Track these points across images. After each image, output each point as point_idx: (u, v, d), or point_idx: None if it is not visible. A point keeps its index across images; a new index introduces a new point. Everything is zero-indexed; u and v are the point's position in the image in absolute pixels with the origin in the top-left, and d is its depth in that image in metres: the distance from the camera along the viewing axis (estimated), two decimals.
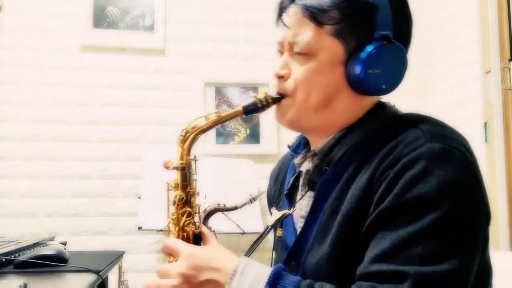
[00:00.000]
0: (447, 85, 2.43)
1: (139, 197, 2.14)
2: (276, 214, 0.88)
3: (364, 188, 0.73)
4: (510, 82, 2.12)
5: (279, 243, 0.92)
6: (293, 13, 0.82)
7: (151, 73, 2.42)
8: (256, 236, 0.93)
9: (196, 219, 0.84)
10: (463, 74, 2.30)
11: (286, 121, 0.85)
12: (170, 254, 0.79)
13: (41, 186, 2.26)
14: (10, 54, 2.29)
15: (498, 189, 2.05)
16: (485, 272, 0.79)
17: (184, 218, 0.82)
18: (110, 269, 1.50)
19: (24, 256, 1.32)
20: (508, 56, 2.12)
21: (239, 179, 2.26)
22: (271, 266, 0.74)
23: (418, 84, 2.55)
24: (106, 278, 1.53)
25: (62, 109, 2.32)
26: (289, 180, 0.94)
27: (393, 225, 0.68)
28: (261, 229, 2.02)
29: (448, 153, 0.69)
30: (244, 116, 0.84)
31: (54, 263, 1.30)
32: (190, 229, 0.82)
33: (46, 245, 1.53)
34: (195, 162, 0.85)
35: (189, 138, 0.83)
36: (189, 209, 0.83)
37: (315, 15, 0.79)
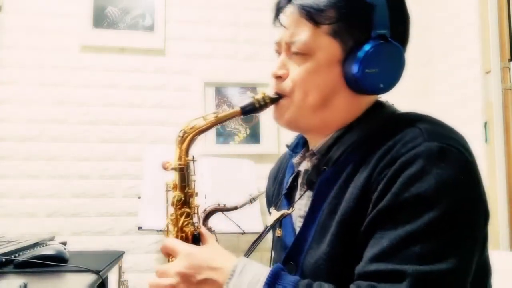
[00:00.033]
0: (447, 85, 2.43)
1: (139, 197, 2.14)
2: (275, 214, 0.88)
3: (363, 187, 0.73)
4: (510, 82, 2.12)
5: (278, 243, 0.92)
6: (290, 13, 0.82)
7: (151, 73, 2.42)
8: (256, 236, 0.93)
9: (195, 219, 0.84)
10: (463, 74, 2.30)
11: (284, 121, 0.85)
12: (168, 254, 0.80)
13: (41, 186, 2.26)
14: (10, 54, 2.29)
15: (498, 189, 2.05)
16: (484, 271, 0.78)
17: (182, 219, 0.82)
18: (110, 269, 1.50)
19: (24, 256, 1.33)
20: (508, 56, 2.12)
21: (239, 179, 2.26)
22: (270, 266, 0.74)
23: (418, 84, 2.55)
24: (106, 278, 1.53)
25: (62, 109, 2.32)
26: (288, 179, 0.94)
27: (391, 224, 0.68)
28: (261, 229, 2.01)
29: (446, 152, 0.69)
30: (242, 116, 0.85)
31: (54, 263, 1.31)
32: (188, 229, 0.82)
33: (46, 245, 1.53)
34: (193, 162, 0.85)
35: (187, 138, 0.83)
36: (187, 209, 0.83)
37: (312, 15, 0.79)
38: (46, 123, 2.30)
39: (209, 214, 1.80)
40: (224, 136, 2.46)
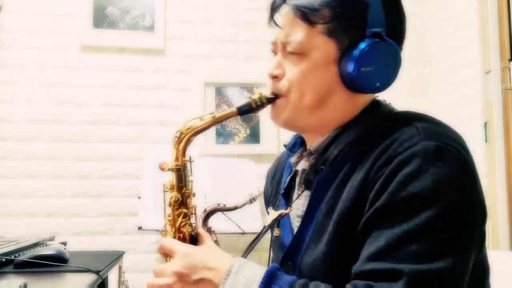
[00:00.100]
0: (447, 85, 2.43)
1: (139, 197, 2.14)
2: (273, 214, 0.89)
3: (360, 186, 0.73)
4: (510, 82, 2.12)
5: (276, 242, 0.92)
6: (285, 13, 0.82)
7: (151, 73, 2.42)
8: (255, 236, 0.93)
9: (192, 220, 0.84)
10: (463, 74, 2.30)
11: (281, 121, 0.85)
12: (166, 254, 0.80)
13: (41, 186, 2.26)
14: (10, 54, 2.29)
15: (498, 189, 2.05)
16: (481, 270, 0.78)
17: (180, 219, 0.83)
18: (110, 269, 1.50)
19: (24, 256, 1.33)
20: (508, 56, 2.13)
21: (239, 179, 2.26)
22: (268, 266, 0.74)
23: (418, 84, 2.55)
24: (106, 278, 1.53)
25: (62, 109, 2.31)
26: (286, 179, 0.94)
27: (388, 223, 0.68)
28: (261, 229, 2.01)
29: (443, 151, 0.69)
30: (239, 116, 0.85)
31: (54, 263, 1.31)
32: (186, 230, 0.83)
33: (46, 245, 1.53)
34: (190, 163, 0.85)
35: (184, 139, 0.83)
36: (185, 210, 0.83)
37: (306, 15, 0.79)
38: (46, 123, 2.30)
39: (209, 214, 1.80)
40: (224, 136, 2.46)
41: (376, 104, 0.84)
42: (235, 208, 1.80)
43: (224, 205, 1.80)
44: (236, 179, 2.26)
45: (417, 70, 2.54)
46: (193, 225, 0.84)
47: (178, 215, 0.83)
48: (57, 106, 2.31)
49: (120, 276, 1.83)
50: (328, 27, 0.78)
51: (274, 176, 1.03)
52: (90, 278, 1.23)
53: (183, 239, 0.82)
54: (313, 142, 0.86)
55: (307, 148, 0.88)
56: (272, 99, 0.84)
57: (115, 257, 1.60)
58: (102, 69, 2.38)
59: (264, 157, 2.39)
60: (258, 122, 2.48)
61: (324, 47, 0.79)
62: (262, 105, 0.84)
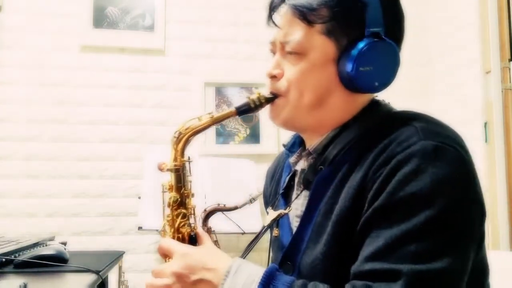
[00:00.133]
0: (447, 85, 2.43)
1: (139, 197, 2.14)
2: (272, 214, 0.88)
3: (358, 186, 0.73)
4: (510, 82, 2.12)
5: (275, 243, 0.91)
6: (283, 12, 0.82)
7: (151, 73, 2.42)
8: (254, 237, 0.93)
9: (192, 220, 0.84)
10: (463, 74, 2.30)
11: (280, 121, 0.85)
12: (165, 254, 0.80)
13: (41, 186, 2.26)
14: (10, 54, 2.29)
15: (498, 189, 2.05)
16: (481, 270, 0.78)
17: (179, 220, 0.83)
18: (110, 269, 1.50)
19: (24, 256, 1.33)
20: (508, 56, 2.13)
21: (239, 179, 2.26)
22: (267, 266, 0.74)
23: (417, 84, 2.55)
24: (106, 278, 1.53)
25: (62, 109, 2.31)
26: (285, 179, 0.94)
27: (386, 223, 0.68)
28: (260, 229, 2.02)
29: (442, 151, 0.69)
30: (237, 116, 0.85)
31: (54, 263, 1.31)
32: (185, 230, 0.83)
33: (46, 245, 1.53)
34: (189, 163, 0.85)
35: (183, 139, 0.83)
36: (184, 210, 0.83)
37: (305, 14, 0.79)
38: (46, 123, 2.30)
39: (209, 214, 1.80)
40: (224, 136, 2.46)
41: (375, 103, 0.84)
42: (235, 208, 1.80)
43: (224, 205, 1.81)
44: (236, 179, 2.26)
45: (417, 70, 2.54)
46: (192, 225, 0.84)
47: (177, 216, 0.83)
48: (57, 106, 2.31)
49: (120, 276, 1.83)
50: (326, 26, 0.78)
51: (274, 176, 1.03)
52: (90, 278, 1.23)
53: (182, 240, 0.82)
54: (312, 142, 0.86)
55: (306, 148, 0.88)
56: (271, 99, 0.84)
57: (115, 257, 1.60)
58: (102, 69, 2.37)
59: (264, 157, 2.39)
60: (258, 122, 2.48)
61: (323, 46, 0.79)
62: (260, 105, 0.84)
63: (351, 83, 0.78)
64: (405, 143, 0.70)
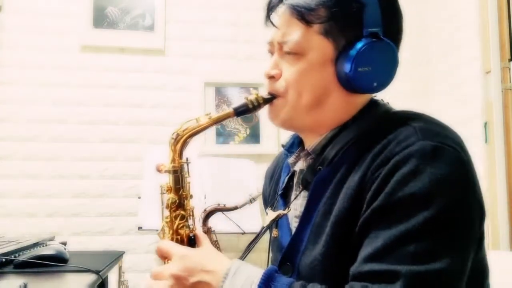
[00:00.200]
0: (447, 85, 2.43)
1: (139, 197, 2.14)
2: (271, 215, 0.88)
3: (357, 187, 0.73)
4: (510, 82, 2.12)
5: (274, 243, 0.91)
6: (281, 12, 0.82)
7: (151, 73, 2.42)
8: (254, 237, 0.93)
9: (190, 221, 0.84)
10: (463, 74, 2.30)
11: (279, 121, 0.85)
12: (164, 256, 0.80)
13: (41, 186, 2.26)
14: (10, 54, 2.29)
15: (498, 189, 2.05)
16: (480, 271, 0.78)
17: (177, 221, 0.82)
18: (110, 269, 1.50)
19: (24, 256, 1.32)
20: (508, 56, 2.12)
21: (239, 179, 2.26)
22: (267, 266, 0.74)
23: (418, 84, 2.55)
24: (106, 278, 1.53)
25: (62, 109, 2.32)
26: (284, 179, 0.94)
27: (385, 224, 0.67)
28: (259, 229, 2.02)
29: (440, 151, 0.69)
30: (235, 117, 0.84)
31: (54, 263, 1.30)
32: (184, 231, 0.82)
33: (46, 245, 1.53)
34: (187, 164, 0.84)
35: (181, 141, 0.83)
36: (182, 212, 0.83)
37: (303, 14, 0.78)
38: (46, 123, 2.30)
39: (209, 214, 1.80)
40: (224, 136, 2.46)
41: (373, 104, 0.84)
42: (235, 208, 1.80)
43: (224, 205, 1.80)
44: (236, 179, 2.26)
45: (417, 70, 2.54)
46: (191, 227, 0.84)
47: (176, 217, 0.82)
48: (57, 106, 2.31)
49: (120, 276, 1.83)
50: (324, 27, 0.78)
51: (273, 176, 1.03)
52: (90, 278, 1.23)
53: (180, 241, 0.82)
54: (311, 142, 0.85)
55: (305, 148, 0.87)
56: (269, 100, 0.84)
57: (115, 257, 1.60)
58: (102, 69, 2.38)
59: (264, 157, 2.39)
60: (258, 122, 2.48)
61: (321, 47, 0.79)
62: (259, 106, 0.83)
63: (349, 84, 0.78)
64: (403, 143, 0.70)
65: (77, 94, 2.33)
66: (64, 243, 1.63)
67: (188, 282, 0.73)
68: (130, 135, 2.37)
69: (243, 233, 2.01)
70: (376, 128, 0.78)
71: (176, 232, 0.82)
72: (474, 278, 0.72)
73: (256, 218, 2.09)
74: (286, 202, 0.90)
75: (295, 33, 0.80)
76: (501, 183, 2.05)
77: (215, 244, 1.84)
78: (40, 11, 2.34)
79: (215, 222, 1.83)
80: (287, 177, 0.92)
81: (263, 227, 0.90)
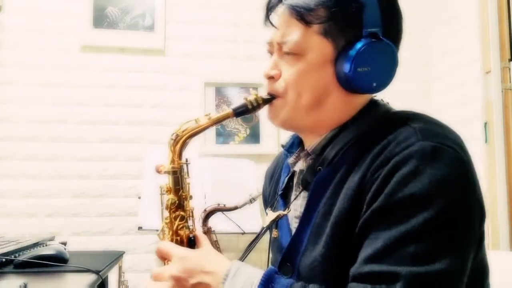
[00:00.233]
0: (447, 85, 2.43)
1: (139, 197, 2.14)
2: (271, 215, 0.88)
3: (357, 188, 0.73)
4: (510, 82, 2.12)
5: (274, 244, 0.91)
6: (280, 13, 0.82)
7: (151, 73, 2.42)
8: (254, 237, 0.93)
9: (190, 222, 0.84)
10: (463, 74, 2.30)
11: (279, 122, 0.85)
12: (163, 257, 0.80)
13: (41, 186, 2.26)
14: (10, 54, 2.29)
15: (498, 189, 2.05)
16: (481, 271, 0.78)
17: (177, 222, 0.82)
18: (110, 269, 1.50)
19: (24, 256, 1.32)
20: (508, 56, 2.13)
21: (239, 179, 2.26)
22: (267, 267, 0.74)
23: (418, 84, 2.55)
24: (106, 278, 1.53)
25: (62, 109, 2.32)
26: (284, 179, 0.93)
27: (385, 225, 0.67)
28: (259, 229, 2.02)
29: (440, 151, 0.69)
30: (235, 118, 0.84)
31: (54, 263, 1.30)
32: (183, 232, 0.82)
33: (46, 245, 1.53)
34: (187, 165, 0.84)
35: (180, 142, 0.83)
36: (182, 213, 0.83)
37: (302, 15, 0.78)
38: (46, 123, 2.30)
39: (209, 214, 1.80)
40: (224, 136, 2.46)
41: (373, 104, 0.84)
42: (235, 208, 1.80)
43: (224, 205, 1.80)
44: (236, 179, 2.26)
45: (417, 70, 2.54)
46: (191, 227, 0.83)
47: (175, 218, 0.82)
48: (57, 106, 2.31)
49: (120, 276, 1.83)
50: (324, 27, 0.78)
51: (273, 176, 1.02)
52: (90, 278, 1.23)
53: (180, 242, 0.82)
54: (311, 142, 0.85)
55: (305, 148, 0.87)
56: (269, 100, 0.84)
57: (115, 257, 1.60)
58: (102, 69, 2.38)
59: (264, 157, 2.39)
60: (258, 122, 2.48)
61: (320, 47, 0.79)
62: (258, 106, 0.83)
63: (349, 84, 0.78)
64: (403, 144, 0.70)
65: (77, 94, 2.33)
66: (64, 243, 1.63)
67: (188, 283, 0.73)
68: (130, 135, 2.37)
69: (243, 233, 2.01)
70: (376, 128, 0.77)
71: (175, 233, 0.82)
72: (474, 278, 0.72)
73: (256, 218, 2.09)
74: (286, 203, 0.90)
75: (295, 33, 0.79)
76: (501, 183, 2.05)
77: (215, 244, 1.84)
78: (40, 11, 2.34)
79: (215, 222, 1.83)
80: (287, 177, 0.92)
81: (263, 228, 0.90)
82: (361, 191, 0.72)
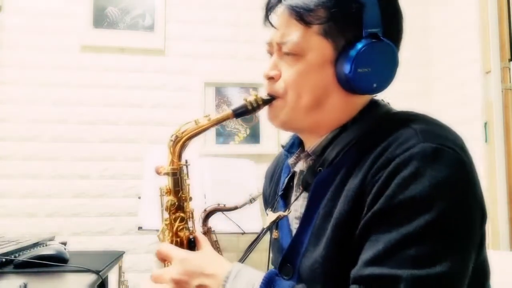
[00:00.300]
0: (447, 85, 2.43)
1: (139, 197, 2.14)
2: (271, 216, 0.87)
3: (357, 189, 0.72)
4: (510, 82, 2.12)
5: (275, 244, 0.91)
6: (280, 13, 0.81)
7: (151, 73, 2.42)
8: (255, 237, 0.92)
9: (190, 224, 0.84)
10: (463, 74, 2.30)
11: (279, 122, 0.84)
12: (163, 259, 0.79)
13: (41, 186, 2.26)
14: (10, 54, 2.29)
15: (498, 189, 2.05)
16: (482, 272, 0.78)
17: (177, 224, 0.82)
18: (110, 269, 1.50)
19: (24, 256, 1.32)
20: (508, 56, 2.13)
21: (239, 179, 2.26)
22: (268, 268, 0.74)
23: (418, 84, 2.55)
24: (106, 278, 1.53)
25: (62, 109, 2.32)
26: (284, 180, 0.93)
27: (386, 227, 0.67)
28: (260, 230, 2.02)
29: (441, 153, 0.68)
30: (234, 119, 0.84)
31: (54, 263, 1.30)
32: (183, 234, 0.82)
33: (46, 245, 1.53)
34: (186, 167, 0.84)
35: (179, 143, 0.82)
36: (182, 214, 0.82)
37: (301, 15, 0.78)
38: (46, 123, 2.30)
39: (209, 214, 1.80)
40: (224, 136, 2.46)
41: (374, 104, 0.83)
42: (235, 208, 1.80)
43: (224, 205, 1.81)
44: (236, 179, 2.26)
45: (417, 70, 2.54)
46: (191, 229, 0.83)
47: (175, 219, 0.82)
48: (57, 106, 2.31)
49: (120, 276, 1.83)
50: (323, 27, 0.77)
51: (273, 177, 1.02)
52: (90, 278, 1.23)
53: (180, 244, 0.81)
54: (311, 143, 0.85)
55: (305, 149, 0.87)
56: (268, 101, 0.83)
57: (115, 257, 1.60)
58: (102, 69, 2.38)
59: (264, 157, 2.39)
60: (258, 122, 2.48)
61: (320, 47, 0.78)
62: (258, 107, 0.83)
63: (349, 85, 0.77)
64: (404, 146, 0.69)
65: (77, 94, 2.33)
66: (64, 243, 1.63)
67: (189, 286, 0.72)
68: (130, 135, 2.37)
69: (243, 233, 2.01)
70: (376, 129, 0.77)
71: (175, 234, 0.82)
72: (475, 280, 0.71)
73: (256, 218, 2.09)
74: (286, 203, 0.90)
75: (294, 33, 0.79)
76: (501, 183, 2.05)
77: (215, 244, 1.84)
78: (40, 11, 2.34)
79: (215, 222, 1.83)
80: (287, 178, 0.92)
81: (263, 228, 0.90)
82: (362, 193, 0.71)
